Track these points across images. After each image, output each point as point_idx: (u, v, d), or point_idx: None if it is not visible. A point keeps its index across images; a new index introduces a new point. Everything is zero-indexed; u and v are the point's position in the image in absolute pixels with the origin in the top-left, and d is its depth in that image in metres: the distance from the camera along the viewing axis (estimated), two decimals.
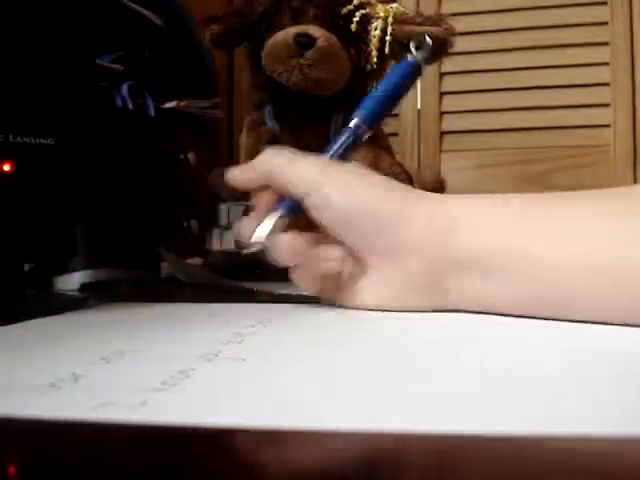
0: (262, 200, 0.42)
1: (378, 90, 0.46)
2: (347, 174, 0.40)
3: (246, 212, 0.67)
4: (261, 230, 0.40)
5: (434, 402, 0.20)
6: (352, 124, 0.44)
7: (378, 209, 0.38)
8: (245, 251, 0.41)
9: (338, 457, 0.17)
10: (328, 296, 0.42)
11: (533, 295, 0.34)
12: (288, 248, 0.40)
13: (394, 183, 0.41)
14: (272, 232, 0.40)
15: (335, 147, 0.44)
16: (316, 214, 0.39)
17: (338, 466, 0.17)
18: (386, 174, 0.43)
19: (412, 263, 0.37)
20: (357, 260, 0.39)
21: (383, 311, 0.39)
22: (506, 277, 0.35)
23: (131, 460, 0.17)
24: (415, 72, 0.47)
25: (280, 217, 0.41)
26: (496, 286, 0.35)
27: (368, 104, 0.46)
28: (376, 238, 0.38)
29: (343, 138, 0.44)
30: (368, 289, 0.39)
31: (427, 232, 0.37)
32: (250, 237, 0.41)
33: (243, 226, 0.42)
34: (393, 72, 0.48)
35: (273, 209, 0.41)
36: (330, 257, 0.39)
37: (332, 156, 0.44)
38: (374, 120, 0.45)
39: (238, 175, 0.43)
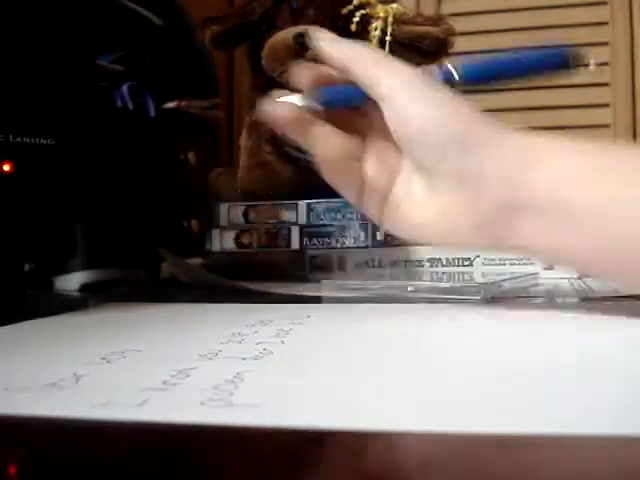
0: (302, 76, 0.38)
1: (508, 55, 0.41)
2: (439, 89, 0.37)
3: (246, 213, 0.67)
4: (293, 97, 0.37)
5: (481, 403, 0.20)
6: (446, 66, 0.39)
7: (467, 127, 0.34)
8: (270, 114, 0.38)
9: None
10: (370, 212, 0.39)
11: (614, 247, 0.31)
12: (328, 138, 0.37)
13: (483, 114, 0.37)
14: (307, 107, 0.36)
15: None
16: (394, 116, 0.35)
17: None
18: None
19: (486, 194, 0.34)
20: (415, 181, 0.37)
21: (432, 246, 0.37)
22: (587, 229, 0.32)
23: (131, 459, 0.17)
24: (559, 63, 0.41)
25: (321, 103, 0.36)
26: (574, 237, 0.32)
27: (484, 60, 0.40)
28: (456, 158, 0.34)
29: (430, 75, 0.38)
30: (423, 218, 0.36)
31: (514, 163, 0.34)
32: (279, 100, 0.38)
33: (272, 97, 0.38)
34: (536, 51, 0.41)
35: (312, 90, 0.37)
36: (385, 167, 0.37)
37: None
38: (476, 74, 0.40)
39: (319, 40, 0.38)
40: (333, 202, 0.62)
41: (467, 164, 0.34)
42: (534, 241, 0.33)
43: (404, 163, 0.37)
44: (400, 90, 0.36)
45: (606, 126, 1.26)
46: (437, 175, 0.35)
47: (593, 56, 1.25)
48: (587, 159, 0.33)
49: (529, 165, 0.33)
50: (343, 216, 0.62)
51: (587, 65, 0.41)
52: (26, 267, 0.57)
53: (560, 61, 0.40)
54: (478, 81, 0.41)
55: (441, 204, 0.35)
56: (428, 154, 0.35)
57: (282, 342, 0.30)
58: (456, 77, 0.38)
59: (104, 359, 0.27)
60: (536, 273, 0.54)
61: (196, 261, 0.72)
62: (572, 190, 0.32)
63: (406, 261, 0.60)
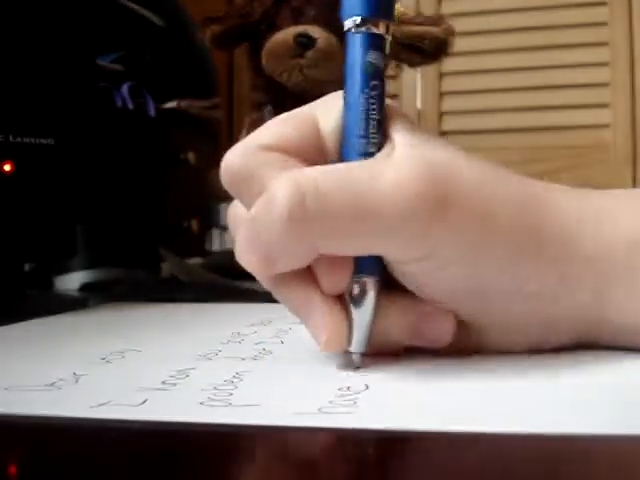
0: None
1: None
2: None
3: None
4: (361, 330, 0.24)
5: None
6: (354, 27, 0.25)
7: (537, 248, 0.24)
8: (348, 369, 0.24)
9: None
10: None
11: None
12: (401, 331, 0.25)
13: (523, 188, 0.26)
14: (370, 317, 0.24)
15: (357, 110, 0.24)
16: (430, 281, 0.24)
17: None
18: None
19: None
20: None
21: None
22: None
23: (131, 458, 0.17)
24: None
25: (375, 282, 0.24)
26: None
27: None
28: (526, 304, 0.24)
29: (359, 70, 0.25)
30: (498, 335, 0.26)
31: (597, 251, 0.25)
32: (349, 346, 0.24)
33: (312, 317, 0.24)
34: None
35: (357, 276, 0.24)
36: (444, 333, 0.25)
37: (367, 126, 0.24)
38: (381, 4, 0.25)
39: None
40: None
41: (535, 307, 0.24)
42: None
43: None
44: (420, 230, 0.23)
45: (606, 126, 1.26)
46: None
47: (593, 56, 1.25)
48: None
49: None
50: None
51: None
52: (26, 267, 0.57)
53: None
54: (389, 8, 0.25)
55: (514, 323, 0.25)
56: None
57: (281, 342, 0.30)
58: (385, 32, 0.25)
59: (104, 359, 0.27)
60: None
61: (196, 261, 0.72)
62: None
63: None
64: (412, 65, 0.74)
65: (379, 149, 0.24)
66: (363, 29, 0.24)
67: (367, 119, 0.24)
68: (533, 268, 0.24)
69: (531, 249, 0.24)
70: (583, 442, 0.17)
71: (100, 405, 0.20)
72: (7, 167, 0.46)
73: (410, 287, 0.24)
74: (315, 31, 0.67)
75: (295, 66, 0.67)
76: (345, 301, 0.24)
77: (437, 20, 0.70)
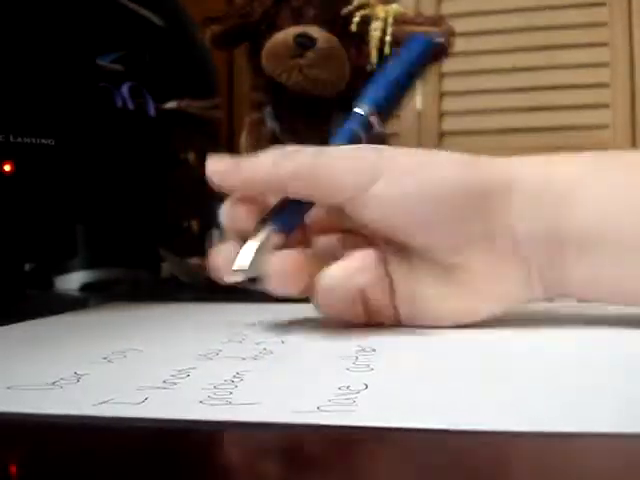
0: (242, 211, 0.31)
1: (389, 69, 0.36)
2: (411, 157, 0.31)
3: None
4: (246, 252, 0.30)
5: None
6: (359, 111, 0.35)
7: (480, 184, 0.30)
8: (226, 280, 0.31)
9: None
10: (374, 320, 0.33)
11: None
12: (291, 269, 0.30)
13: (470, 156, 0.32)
14: (261, 254, 0.30)
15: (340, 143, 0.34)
16: (375, 215, 0.30)
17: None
18: None
19: (525, 246, 0.30)
20: (414, 263, 0.31)
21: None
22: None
23: (131, 457, 0.17)
24: (433, 50, 0.38)
25: (275, 232, 0.30)
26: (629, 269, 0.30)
27: (378, 87, 0.36)
28: (473, 223, 0.30)
29: (348, 131, 0.34)
30: (448, 297, 0.31)
31: (541, 202, 0.30)
32: (231, 264, 0.30)
33: (220, 252, 0.31)
34: (408, 49, 0.38)
35: (261, 223, 0.31)
36: (365, 265, 0.30)
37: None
38: (388, 106, 0.36)
39: (224, 173, 0.32)
40: None
41: (487, 226, 0.30)
42: (598, 284, 0.30)
43: (394, 258, 0.32)
44: (375, 174, 0.30)
45: (605, 127, 1.26)
46: (458, 252, 0.31)
47: (593, 57, 1.25)
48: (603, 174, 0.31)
49: (560, 199, 0.30)
50: None
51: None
52: (26, 267, 0.57)
53: (434, 46, 0.39)
54: (391, 111, 0.37)
55: (468, 279, 0.31)
56: (431, 234, 0.30)
57: (282, 342, 0.30)
58: (377, 125, 0.35)
59: (105, 358, 0.27)
60: None
61: (196, 261, 0.72)
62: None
63: None
64: None
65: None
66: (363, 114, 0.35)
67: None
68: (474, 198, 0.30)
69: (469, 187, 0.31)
70: (583, 442, 0.17)
71: (101, 403, 0.20)
72: (7, 167, 0.46)
73: (352, 214, 0.31)
74: (315, 31, 0.67)
75: (295, 66, 0.67)
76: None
77: (437, 20, 0.70)
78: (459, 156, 0.32)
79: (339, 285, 0.30)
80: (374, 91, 0.35)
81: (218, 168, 0.32)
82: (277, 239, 0.30)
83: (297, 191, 0.31)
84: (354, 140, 0.34)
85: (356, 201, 0.30)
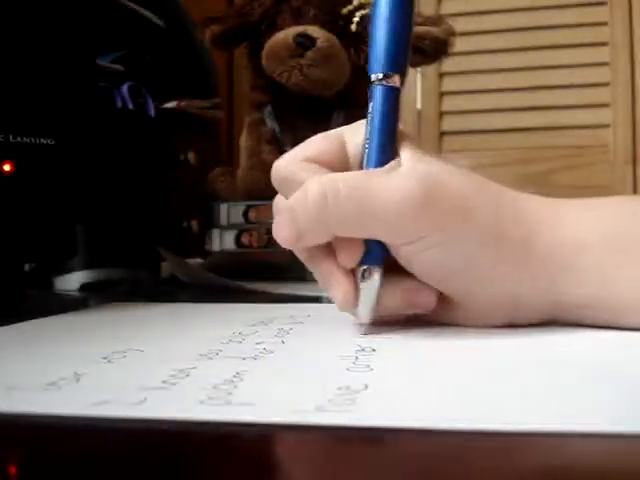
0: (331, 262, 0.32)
1: (380, 25, 0.32)
2: (455, 200, 0.31)
3: (246, 213, 0.67)
4: (365, 305, 0.31)
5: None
6: (377, 80, 0.32)
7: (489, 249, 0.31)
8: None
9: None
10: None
11: None
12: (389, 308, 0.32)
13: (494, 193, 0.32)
14: (375, 296, 0.31)
15: (381, 136, 0.32)
16: (416, 261, 0.31)
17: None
18: None
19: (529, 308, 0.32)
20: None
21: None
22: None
23: (131, 456, 0.17)
24: None
25: (379, 271, 0.31)
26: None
27: (382, 45, 0.32)
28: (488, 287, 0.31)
29: (379, 108, 0.32)
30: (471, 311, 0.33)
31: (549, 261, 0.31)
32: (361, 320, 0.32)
33: (339, 289, 0.32)
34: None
35: (362, 266, 0.31)
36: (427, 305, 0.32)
37: (383, 148, 0.32)
38: (401, 60, 0.32)
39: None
40: None
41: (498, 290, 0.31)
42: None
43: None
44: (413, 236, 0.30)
45: (606, 126, 1.26)
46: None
47: (593, 56, 1.25)
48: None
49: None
50: None
51: None
52: (26, 267, 0.57)
53: None
54: (406, 64, 0.33)
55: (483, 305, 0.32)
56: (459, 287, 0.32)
57: (282, 342, 0.30)
58: (401, 84, 0.32)
59: (105, 358, 0.27)
60: None
61: (196, 261, 0.72)
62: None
63: None
64: (412, 65, 0.74)
65: (388, 162, 0.31)
66: (383, 82, 0.32)
67: (382, 142, 0.32)
68: (497, 257, 0.31)
69: (497, 241, 0.31)
70: (584, 440, 0.17)
71: (100, 403, 0.20)
72: (7, 167, 0.46)
73: (403, 264, 0.32)
74: (315, 31, 0.67)
75: (295, 66, 0.67)
76: (356, 277, 0.32)
77: (437, 20, 0.70)
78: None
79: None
80: (386, 52, 0.32)
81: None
82: (379, 275, 0.31)
83: (352, 235, 0.31)
84: (391, 124, 0.32)
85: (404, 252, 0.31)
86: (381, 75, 0.32)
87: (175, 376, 0.24)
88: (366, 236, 0.31)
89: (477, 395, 0.21)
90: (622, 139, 1.25)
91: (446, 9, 1.31)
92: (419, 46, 0.69)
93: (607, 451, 0.17)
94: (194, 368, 0.25)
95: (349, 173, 0.32)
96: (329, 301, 0.35)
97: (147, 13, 0.73)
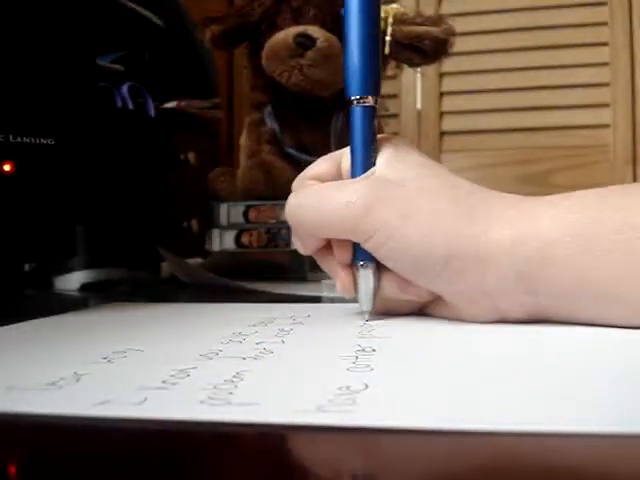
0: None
1: (352, 50, 0.36)
2: (395, 208, 0.33)
3: (246, 213, 0.67)
4: (365, 298, 0.36)
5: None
6: (355, 101, 0.35)
7: (453, 241, 0.33)
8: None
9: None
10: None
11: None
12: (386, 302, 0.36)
13: (464, 198, 0.34)
14: (373, 289, 0.36)
15: (359, 150, 0.35)
16: (381, 258, 0.34)
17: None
18: None
19: (502, 302, 0.33)
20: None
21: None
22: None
23: (131, 456, 0.17)
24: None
25: (372, 267, 0.35)
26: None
27: (356, 71, 0.35)
28: (450, 282, 0.33)
29: (359, 128, 0.35)
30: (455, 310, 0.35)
31: (513, 270, 0.32)
32: (363, 307, 0.36)
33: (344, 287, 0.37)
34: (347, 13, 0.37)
35: (357, 262, 0.36)
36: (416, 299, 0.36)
37: (363, 161, 0.36)
38: (374, 82, 0.36)
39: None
40: None
41: (461, 287, 0.33)
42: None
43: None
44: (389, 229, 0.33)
45: (606, 126, 1.26)
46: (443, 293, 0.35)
47: (593, 56, 1.25)
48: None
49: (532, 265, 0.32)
50: None
51: None
52: (26, 267, 0.57)
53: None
54: (378, 83, 0.36)
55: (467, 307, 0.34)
56: (427, 282, 0.34)
57: (282, 342, 0.30)
58: (375, 103, 0.36)
59: (105, 358, 0.27)
60: None
61: (196, 261, 0.72)
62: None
63: None
64: (412, 65, 0.74)
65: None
66: (361, 102, 0.36)
67: (362, 155, 0.36)
68: (448, 253, 0.32)
69: (446, 237, 0.33)
70: (584, 440, 0.17)
71: (101, 403, 0.20)
72: (7, 167, 0.46)
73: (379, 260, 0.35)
74: (315, 31, 0.67)
75: (295, 66, 0.67)
76: (354, 270, 0.36)
77: (437, 20, 0.70)
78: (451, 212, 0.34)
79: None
80: (360, 77, 0.36)
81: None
82: (373, 267, 0.35)
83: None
84: (369, 138, 0.36)
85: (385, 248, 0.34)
86: (358, 97, 0.36)
87: (175, 376, 0.24)
88: (330, 236, 0.36)
89: (477, 395, 0.21)
90: (622, 139, 1.25)
91: (446, 9, 1.31)
92: (419, 46, 0.69)
93: (607, 451, 0.17)
94: (194, 368, 0.25)
95: (311, 187, 0.36)
96: (329, 301, 0.35)
97: (147, 13, 0.73)
